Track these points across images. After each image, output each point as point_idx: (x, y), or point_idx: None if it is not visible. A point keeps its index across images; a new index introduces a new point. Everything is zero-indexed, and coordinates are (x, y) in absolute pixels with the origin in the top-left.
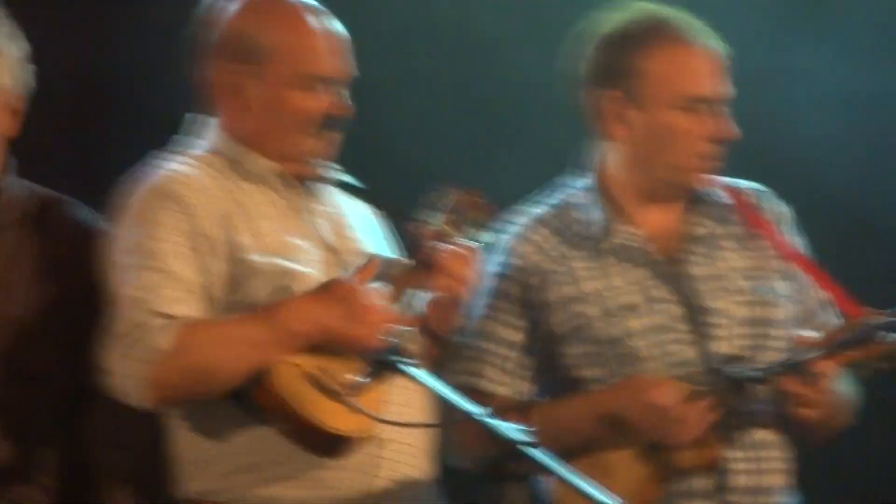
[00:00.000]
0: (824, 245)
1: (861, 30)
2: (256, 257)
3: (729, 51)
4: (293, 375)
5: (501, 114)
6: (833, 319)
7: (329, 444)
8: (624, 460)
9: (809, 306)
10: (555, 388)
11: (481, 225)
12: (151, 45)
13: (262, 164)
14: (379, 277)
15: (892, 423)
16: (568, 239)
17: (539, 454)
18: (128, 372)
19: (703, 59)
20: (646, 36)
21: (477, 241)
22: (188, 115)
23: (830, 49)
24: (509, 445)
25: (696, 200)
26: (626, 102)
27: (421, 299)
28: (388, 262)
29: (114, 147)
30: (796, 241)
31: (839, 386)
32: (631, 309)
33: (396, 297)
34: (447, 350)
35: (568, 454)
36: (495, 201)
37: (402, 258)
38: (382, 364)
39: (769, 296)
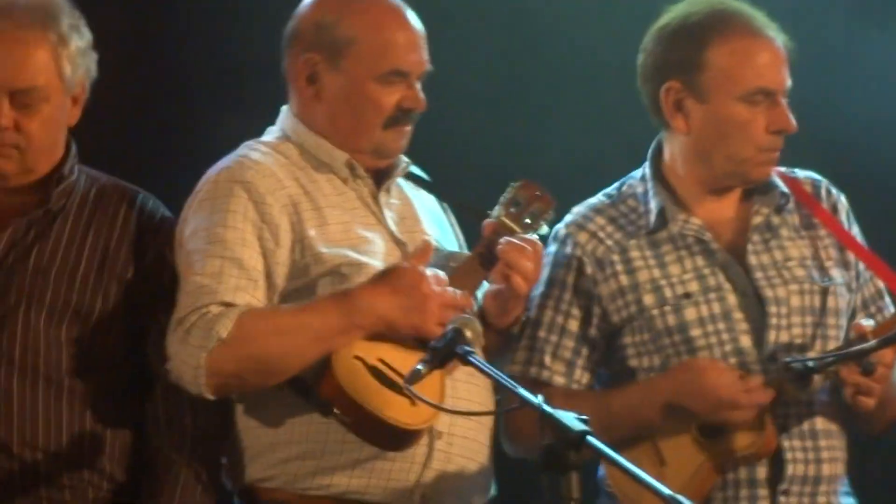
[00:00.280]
0: (881, 234)
1: None
2: (322, 247)
3: (790, 42)
4: (356, 369)
5: (562, 105)
6: (890, 308)
7: (395, 438)
8: (679, 448)
9: (866, 295)
10: (610, 378)
11: (542, 217)
12: (225, 32)
13: (334, 153)
14: (442, 269)
15: None
16: (624, 227)
17: (595, 442)
18: (185, 358)
19: (766, 52)
20: (708, 28)
21: (538, 233)
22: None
23: (891, 38)
24: (565, 434)
25: (753, 189)
26: (688, 94)
27: (482, 291)
28: (450, 255)
29: (182, 137)
30: (853, 229)
31: None
32: (687, 297)
33: (459, 288)
34: (506, 341)
35: (623, 443)
36: (555, 193)
37: (464, 251)
38: (442, 352)
39: (826, 284)
